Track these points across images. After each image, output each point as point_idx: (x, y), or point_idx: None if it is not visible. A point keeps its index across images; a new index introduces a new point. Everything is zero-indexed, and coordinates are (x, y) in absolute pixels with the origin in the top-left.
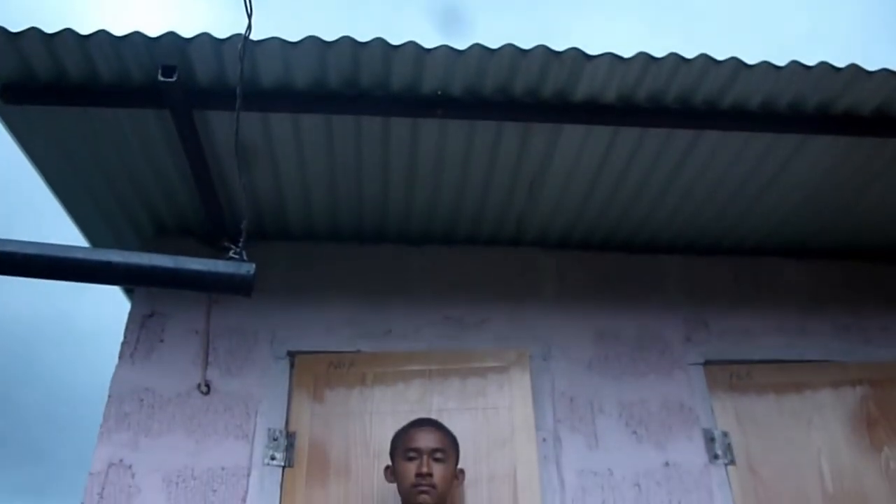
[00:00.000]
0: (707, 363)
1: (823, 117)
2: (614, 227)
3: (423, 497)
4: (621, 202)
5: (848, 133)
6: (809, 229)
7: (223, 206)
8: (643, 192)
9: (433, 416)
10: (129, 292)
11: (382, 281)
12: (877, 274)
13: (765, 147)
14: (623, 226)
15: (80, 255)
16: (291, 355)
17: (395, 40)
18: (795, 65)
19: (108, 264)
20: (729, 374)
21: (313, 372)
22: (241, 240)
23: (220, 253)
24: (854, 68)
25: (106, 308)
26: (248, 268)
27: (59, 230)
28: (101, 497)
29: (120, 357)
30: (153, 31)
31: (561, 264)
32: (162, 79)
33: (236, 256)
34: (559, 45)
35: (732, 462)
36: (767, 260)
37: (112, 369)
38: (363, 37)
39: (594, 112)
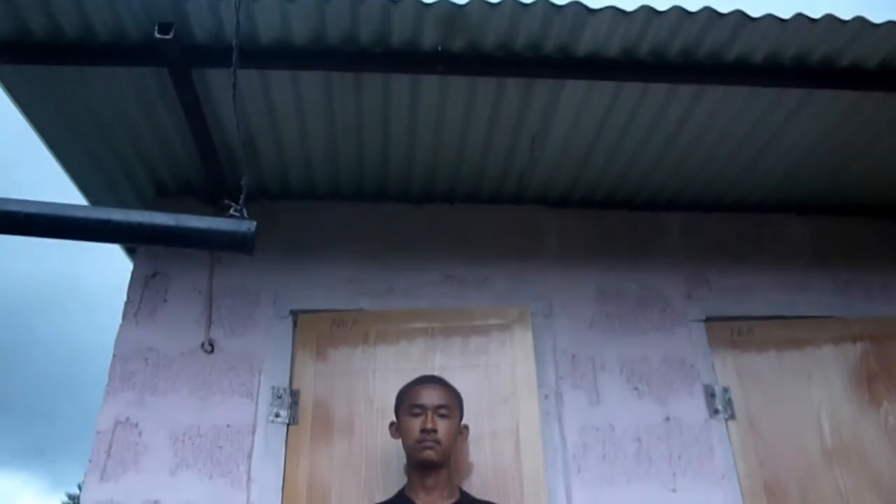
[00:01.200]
0: (708, 319)
1: (828, 71)
2: (616, 183)
3: (428, 452)
4: (623, 158)
5: (853, 87)
6: (812, 185)
7: (223, 165)
8: (645, 148)
9: (436, 374)
10: (131, 252)
11: (384, 240)
12: (878, 230)
13: (769, 102)
14: (625, 182)
15: (80, 214)
16: (294, 314)
17: None
18: (800, 17)
19: (109, 223)
20: (730, 331)
21: (316, 330)
22: (242, 197)
23: (221, 212)
24: (860, 21)
25: (109, 269)
26: (248, 225)
27: (60, 192)
28: (109, 455)
29: (123, 317)
30: None
31: (562, 222)
32: (158, 36)
33: (237, 214)
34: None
35: (732, 417)
36: (769, 216)
37: (116, 330)
38: None
39: (596, 67)
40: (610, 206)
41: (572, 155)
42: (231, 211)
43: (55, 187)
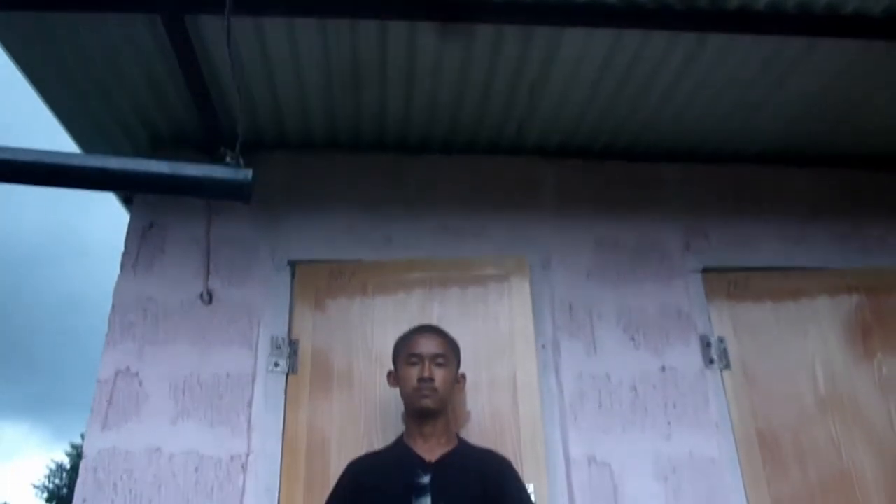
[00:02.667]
0: (705, 271)
1: (832, 18)
2: (615, 133)
3: (426, 401)
4: (623, 108)
5: (857, 35)
6: (812, 136)
7: (218, 114)
8: (645, 98)
9: (434, 324)
10: (127, 204)
11: (382, 190)
12: (877, 183)
13: (771, 51)
14: (624, 132)
15: (76, 162)
16: (292, 265)
17: None
18: None
19: (105, 170)
20: (727, 282)
21: (314, 281)
22: (238, 145)
23: (218, 162)
24: None
25: (108, 222)
26: (245, 173)
27: (55, 143)
28: (110, 404)
29: (122, 268)
30: None
31: (561, 173)
32: None
33: (233, 162)
34: None
35: (727, 367)
36: (769, 168)
37: (115, 281)
38: None
39: (597, 14)
40: (609, 156)
41: (571, 104)
42: (227, 159)
43: (49, 138)
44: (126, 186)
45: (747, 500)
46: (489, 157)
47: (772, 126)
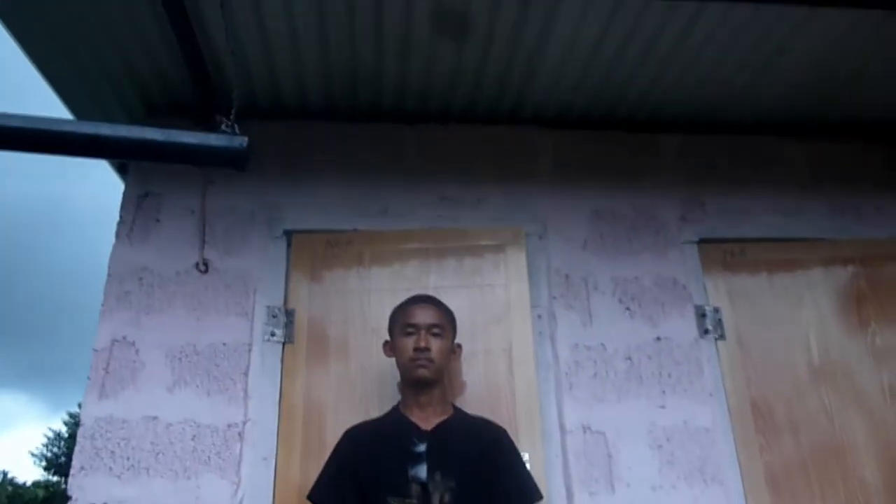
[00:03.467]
0: (702, 241)
1: None
2: (613, 102)
3: (422, 371)
4: (621, 76)
5: (856, 3)
6: (810, 107)
7: (213, 80)
8: (644, 66)
9: (430, 294)
10: (122, 172)
11: (378, 160)
12: (874, 154)
13: (771, 18)
14: (622, 101)
15: (69, 129)
16: (288, 234)
17: None
18: None
19: (98, 137)
20: (723, 252)
21: (310, 251)
22: (233, 112)
23: (213, 130)
24: None
25: (105, 191)
26: (240, 141)
27: (47, 112)
28: (107, 372)
29: (117, 237)
30: None
31: (558, 143)
32: None
33: (228, 130)
34: None
35: (722, 337)
36: (766, 139)
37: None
38: None
39: None
40: (606, 127)
41: (570, 71)
42: (223, 126)
43: (42, 106)
44: (119, 154)
45: (740, 469)
46: (487, 127)
47: (770, 94)
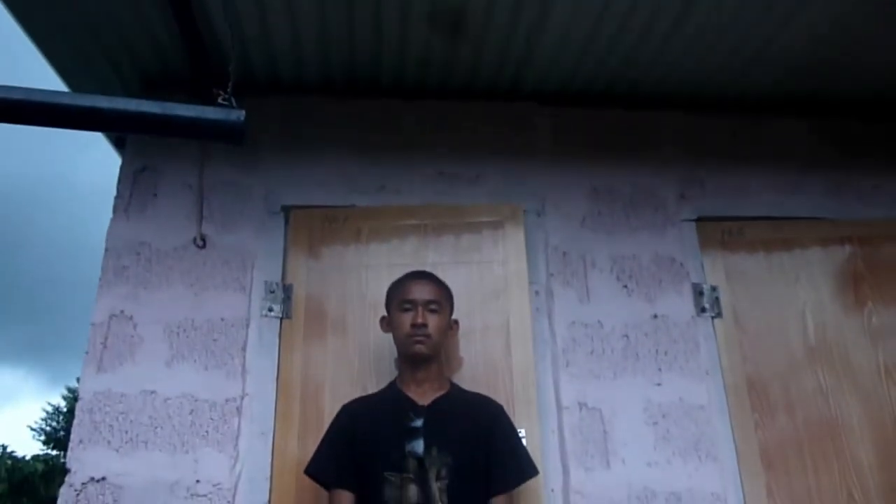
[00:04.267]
0: (700, 219)
1: None
2: (613, 78)
3: (419, 346)
4: (624, 48)
5: None
6: (811, 84)
7: (210, 54)
8: (646, 40)
9: (428, 270)
10: (120, 147)
11: (376, 136)
12: (873, 133)
13: None
14: (623, 77)
15: (66, 101)
16: (286, 210)
17: None
18: None
19: (95, 110)
20: (721, 231)
21: (308, 226)
22: (230, 85)
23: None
24: None
25: (103, 167)
26: (237, 114)
27: (45, 85)
28: (105, 346)
29: (114, 211)
30: None
31: (557, 120)
32: None
33: (225, 103)
34: None
35: (719, 315)
36: (766, 118)
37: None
38: None
39: None
40: (606, 104)
41: (571, 44)
42: (219, 100)
43: (38, 80)
44: (116, 127)
45: (735, 446)
46: (485, 103)
47: (773, 69)
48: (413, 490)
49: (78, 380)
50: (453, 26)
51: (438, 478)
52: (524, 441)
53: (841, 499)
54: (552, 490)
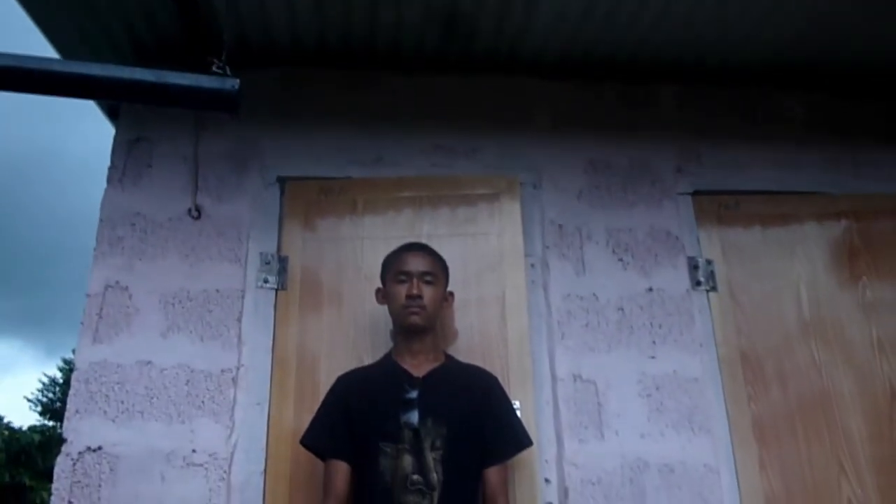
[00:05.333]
0: (696, 193)
1: None
2: (613, 49)
3: (414, 318)
4: (622, 19)
5: None
6: (810, 57)
7: (203, 21)
8: (645, 8)
9: (423, 242)
10: (113, 117)
11: (372, 108)
12: (871, 107)
13: None
14: (622, 47)
15: (58, 68)
16: (281, 181)
17: None
18: None
19: (88, 77)
20: (717, 205)
21: (304, 198)
22: (224, 53)
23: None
24: None
25: (96, 138)
26: (232, 83)
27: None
28: (101, 317)
29: (109, 182)
30: None
31: (554, 93)
32: None
33: (220, 71)
34: None
35: (714, 289)
36: (764, 91)
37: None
38: None
39: None
40: (604, 77)
41: (568, 16)
42: (214, 68)
43: (28, 47)
44: (109, 95)
45: (728, 418)
46: (482, 76)
47: (778, 37)
48: (408, 460)
49: (74, 351)
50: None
51: (433, 448)
52: (518, 412)
53: (832, 470)
54: (546, 461)
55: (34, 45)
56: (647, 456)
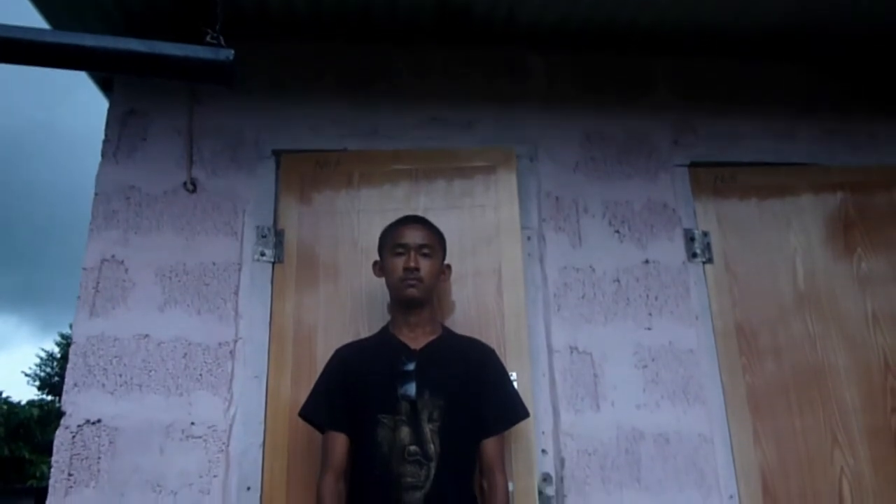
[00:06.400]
0: (693, 165)
1: None
2: (611, 17)
3: (411, 290)
4: None
5: None
6: (808, 27)
7: None
8: None
9: (420, 215)
10: (106, 91)
11: (368, 80)
12: (869, 79)
13: None
14: (620, 16)
15: (49, 39)
16: (277, 154)
17: None
18: None
19: (80, 48)
20: (714, 177)
21: (299, 171)
22: (219, 24)
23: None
24: None
25: (90, 112)
26: (226, 53)
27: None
28: (97, 291)
29: (103, 155)
30: None
31: (550, 65)
32: None
33: (214, 42)
34: None
35: (710, 261)
36: (761, 63)
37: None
38: None
39: None
40: (600, 48)
41: None
42: (208, 38)
43: (16, 15)
44: (102, 66)
45: (723, 389)
46: (478, 48)
47: (776, 6)
48: (405, 432)
49: (70, 327)
50: None
51: (431, 420)
52: (515, 384)
53: (825, 441)
54: (542, 432)
55: (25, 16)
56: (643, 426)
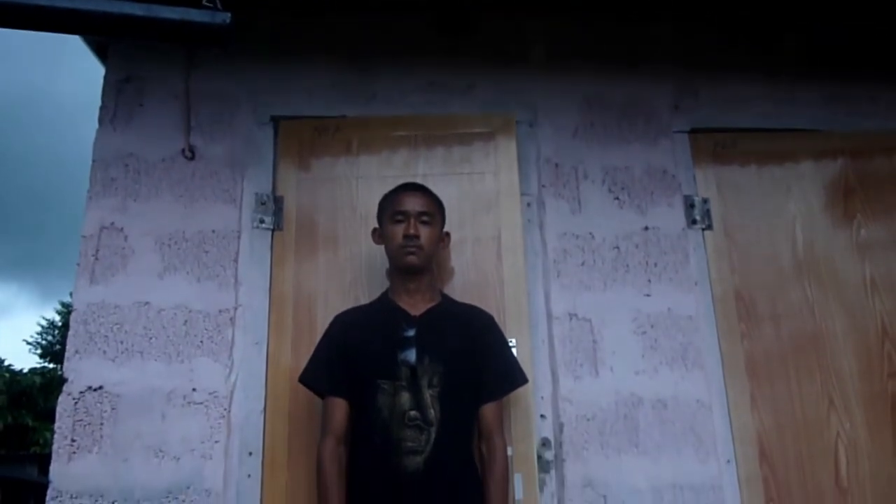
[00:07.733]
0: (693, 131)
1: None
2: None
3: (410, 258)
4: None
5: None
6: None
7: None
8: None
9: (419, 181)
10: (102, 57)
11: (366, 44)
12: (869, 44)
13: None
14: None
15: (44, 2)
16: (275, 120)
17: None
18: None
19: (73, 11)
20: (714, 143)
21: (298, 137)
22: None
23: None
24: None
25: (85, 79)
26: (223, 16)
27: None
28: (97, 258)
29: (100, 122)
30: None
31: (550, 30)
32: None
33: (210, 5)
34: None
35: (710, 227)
36: (762, 28)
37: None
38: None
39: None
40: (600, 10)
41: None
42: (204, 1)
43: None
44: (96, 29)
45: (721, 355)
46: (478, 10)
47: None
48: (405, 397)
49: (71, 294)
50: None
51: (430, 386)
52: (514, 350)
53: (822, 406)
54: (541, 397)
55: None
56: (641, 392)
